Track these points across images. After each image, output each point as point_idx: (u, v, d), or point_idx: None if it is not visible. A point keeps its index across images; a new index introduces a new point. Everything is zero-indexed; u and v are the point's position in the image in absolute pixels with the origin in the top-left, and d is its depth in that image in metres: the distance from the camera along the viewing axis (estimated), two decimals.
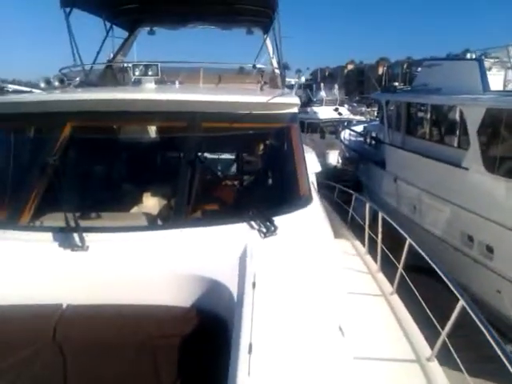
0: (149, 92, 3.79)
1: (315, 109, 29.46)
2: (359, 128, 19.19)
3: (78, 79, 4.93)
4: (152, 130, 3.82)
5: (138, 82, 4.12)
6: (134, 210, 3.66)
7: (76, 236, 2.68)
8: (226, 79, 5.32)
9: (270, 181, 4.50)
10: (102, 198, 3.89)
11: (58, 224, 2.83)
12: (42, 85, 4.54)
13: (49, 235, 2.78)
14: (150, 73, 3.95)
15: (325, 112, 28.73)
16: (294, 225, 3.06)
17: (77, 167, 4.15)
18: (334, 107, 29.48)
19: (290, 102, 3.83)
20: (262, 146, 4.81)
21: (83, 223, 2.87)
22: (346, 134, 19.36)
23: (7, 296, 2.44)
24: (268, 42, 7.00)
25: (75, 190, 3.66)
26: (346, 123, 23.19)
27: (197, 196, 3.11)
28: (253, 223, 2.94)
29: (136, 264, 2.61)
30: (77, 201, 3.32)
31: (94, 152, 4.24)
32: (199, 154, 3.22)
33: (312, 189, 3.69)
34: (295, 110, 3.91)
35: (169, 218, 3.23)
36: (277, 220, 2.94)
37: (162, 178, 4.07)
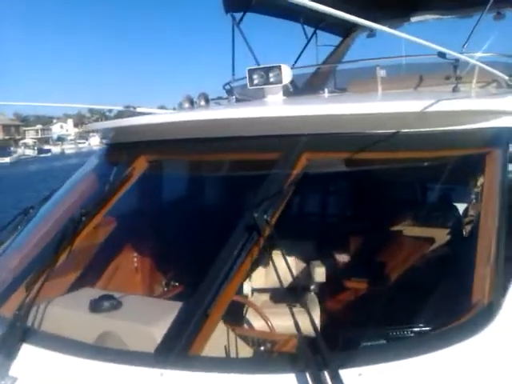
0: (239, 108, 2.67)
1: None
2: None
3: (233, 97, 4.10)
4: (224, 167, 2.64)
5: (261, 94, 3.02)
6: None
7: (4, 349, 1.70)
8: (428, 80, 3.66)
9: (406, 269, 2.75)
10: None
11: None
12: (186, 105, 3.89)
13: None
14: (272, 79, 2.81)
15: None
16: None
17: (123, 226, 3.21)
18: None
19: (478, 108, 2.13)
20: (406, 194, 3.07)
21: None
22: None
23: None
24: None
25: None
26: None
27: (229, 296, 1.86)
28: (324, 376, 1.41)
29: None
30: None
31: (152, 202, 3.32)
32: (268, 212, 1.90)
33: None
34: (498, 122, 2.17)
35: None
36: (386, 370, 1.45)
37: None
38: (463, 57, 2.27)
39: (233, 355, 2.10)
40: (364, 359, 1.49)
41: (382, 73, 3.60)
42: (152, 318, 1.94)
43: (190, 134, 2.42)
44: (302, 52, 5.61)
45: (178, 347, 1.66)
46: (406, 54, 4.56)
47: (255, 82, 2.86)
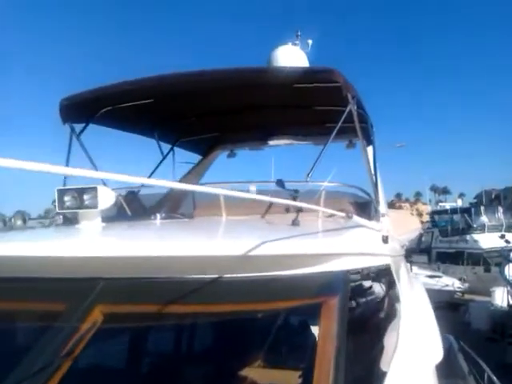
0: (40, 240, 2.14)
1: (475, 236, 25.48)
2: None
3: (61, 216, 3.51)
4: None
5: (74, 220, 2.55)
6: None
7: None
8: (273, 208, 3.46)
9: None
10: None
11: None
12: None
13: None
14: (87, 202, 2.36)
15: (488, 240, 24.69)
16: None
17: None
18: (499, 234, 25.36)
19: (309, 252, 1.86)
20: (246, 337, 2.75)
21: None
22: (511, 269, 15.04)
23: None
24: (370, 154, 4.94)
25: None
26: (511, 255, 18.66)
27: None
28: None
29: None
30: None
31: None
32: None
33: None
34: (332, 266, 1.90)
35: None
36: None
37: None
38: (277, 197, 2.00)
39: None
40: None
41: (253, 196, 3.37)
42: None
43: None
44: (156, 169, 5.23)
45: None
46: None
47: (67, 204, 2.38)
